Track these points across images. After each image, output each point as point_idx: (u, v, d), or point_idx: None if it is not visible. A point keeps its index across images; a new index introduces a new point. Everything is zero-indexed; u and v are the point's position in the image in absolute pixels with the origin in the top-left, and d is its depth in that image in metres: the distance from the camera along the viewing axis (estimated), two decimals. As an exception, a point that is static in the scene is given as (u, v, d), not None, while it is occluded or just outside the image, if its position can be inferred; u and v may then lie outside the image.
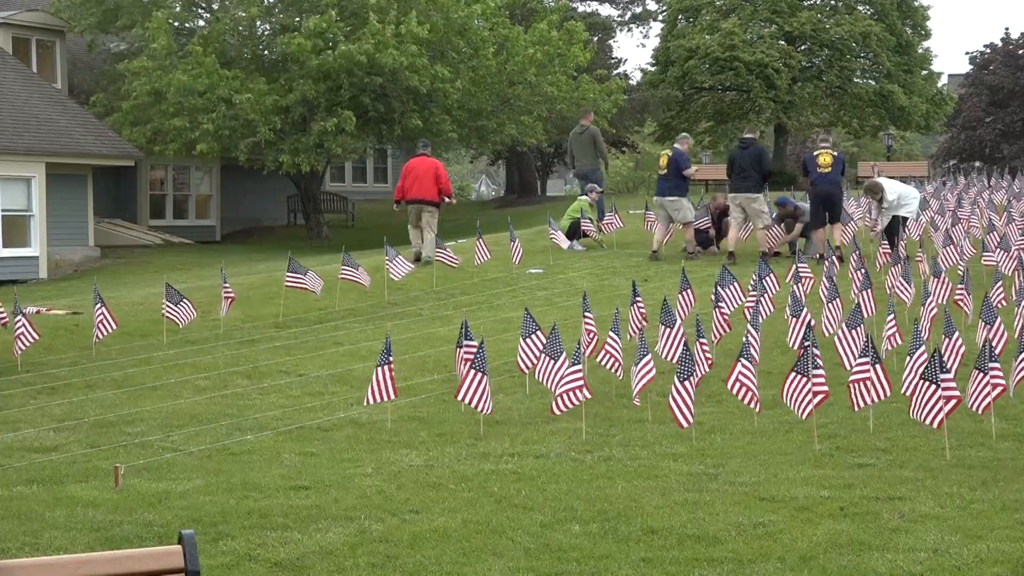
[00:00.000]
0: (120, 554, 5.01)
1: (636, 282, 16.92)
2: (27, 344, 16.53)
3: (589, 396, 12.07)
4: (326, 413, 13.35)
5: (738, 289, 16.75)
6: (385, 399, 12.28)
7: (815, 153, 24.27)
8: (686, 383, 11.40)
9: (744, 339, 12.60)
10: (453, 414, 13.16)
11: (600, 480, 10.17)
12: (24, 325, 16.45)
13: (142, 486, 10.17)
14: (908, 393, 12.07)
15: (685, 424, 11.44)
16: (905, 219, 23.60)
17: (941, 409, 10.76)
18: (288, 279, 19.71)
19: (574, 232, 26.24)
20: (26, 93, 37.18)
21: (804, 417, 11.39)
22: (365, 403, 12.50)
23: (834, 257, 21.01)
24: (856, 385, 11.64)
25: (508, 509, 9.28)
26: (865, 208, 26.16)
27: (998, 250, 20.82)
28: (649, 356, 12.48)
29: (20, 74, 38.29)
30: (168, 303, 17.81)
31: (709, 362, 13.30)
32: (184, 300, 17.95)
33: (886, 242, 22.32)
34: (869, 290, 16.40)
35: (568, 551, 8.22)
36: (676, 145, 25.93)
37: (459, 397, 12.26)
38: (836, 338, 13.87)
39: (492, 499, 9.59)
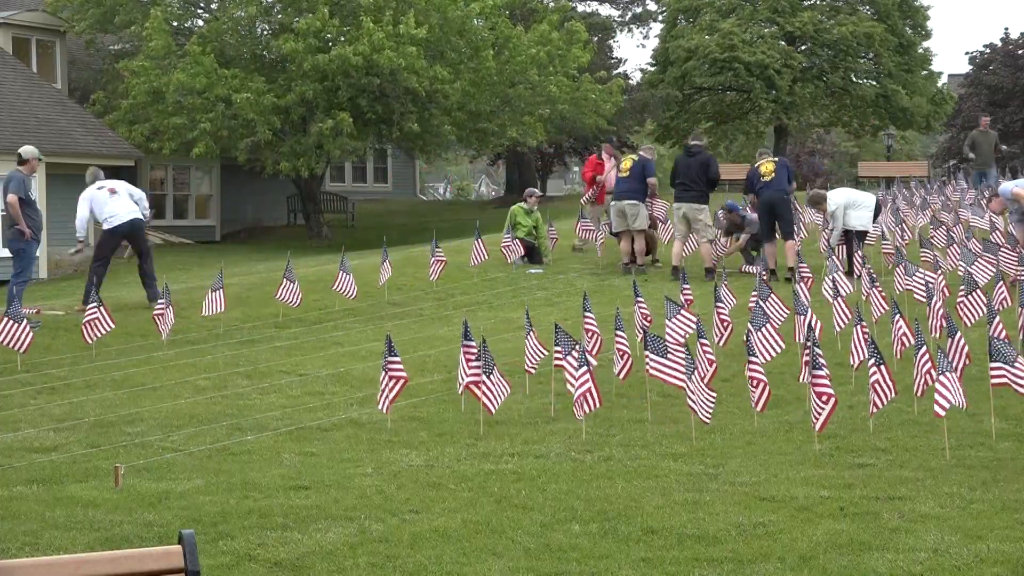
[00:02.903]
0: (120, 554, 5.01)
1: (637, 282, 16.94)
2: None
3: (598, 405, 12.00)
4: (326, 413, 13.35)
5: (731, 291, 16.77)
6: (388, 401, 12.31)
7: (756, 164, 22.82)
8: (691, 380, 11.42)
9: (745, 337, 12.58)
10: (453, 414, 13.16)
11: (600, 480, 10.17)
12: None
13: (142, 486, 10.17)
14: (919, 394, 12.13)
15: (707, 421, 11.49)
16: (861, 233, 22.26)
17: None
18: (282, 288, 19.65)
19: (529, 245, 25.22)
20: (26, 93, 37.18)
21: (819, 431, 11.27)
22: (384, 409, 12.46)
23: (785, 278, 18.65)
24: (875, 388, 11.59)
25: (508, 509, 9.28)
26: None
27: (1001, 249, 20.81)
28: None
29: (20, 74, 38.29)
30: (162, 305, 17.79)
31: (713, 365, 13.23)
32: (170, 306, 17.92)
33: (860, 252, 21.46)
34: (875, 289, 16.37)
35: (568, 551, 8.22)
36: (643, 153, 24.85)
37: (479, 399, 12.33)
38: (852, 337, 13.86)
39: (492, 499, 9.59)
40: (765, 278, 17.78)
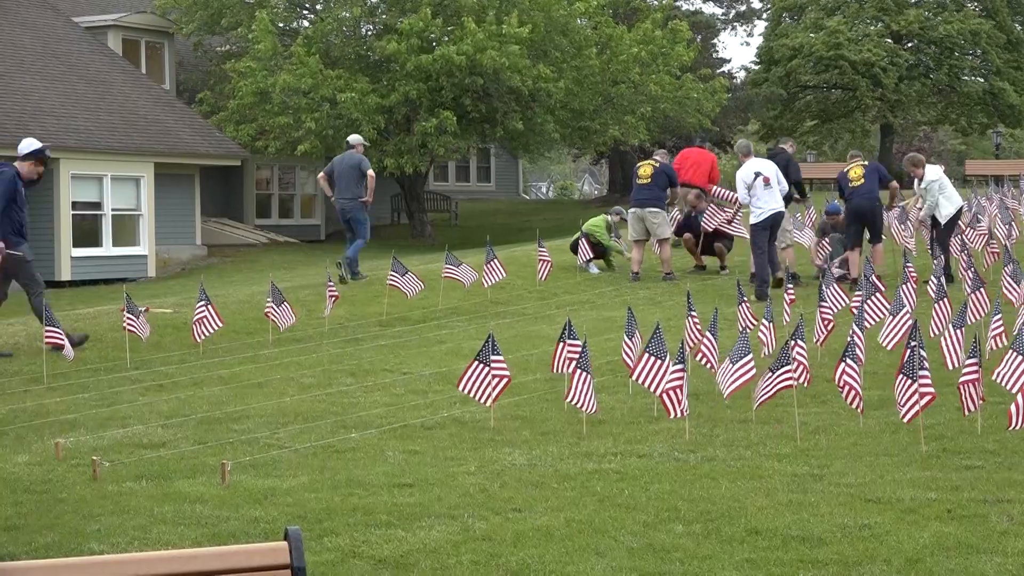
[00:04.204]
0: (227, 550, 5.06)
1: (740, 282, 16.85)
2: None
3: (686, 411, 11.94)
4: (430, 411, 13.40)
5: (838, 291, 16.63)
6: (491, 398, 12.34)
7: (846, 169, 21.91)
8: (779, 373, 11.37)
9: (849, 338, 12.48)
10: (556, 413, 13.16)
11: (703, 480, 10.13)
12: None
13: (248, 482, 10.28)
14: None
15: (758, 402, 11.42)
16: (944, 234, 21.53)
17: None
18: (390, 278, 19.96)
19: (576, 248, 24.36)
20: (135, 94, 37.72)
21: (907, 422, 11.24)
22: (489, 403, 12.50)
23: (876, 282, 17.20)
24: (966, 387, 11.47)
25: (611, 508, 9.27)
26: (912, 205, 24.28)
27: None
28: (750, 356, 12.38)
29: (130, 75, 38.85)
30: (271, 303, 18.03)
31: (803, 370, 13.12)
32: (286, 303, 18.14)
33: (942, 253, 20.83)
34: (981, 290, 16.17)
35: (671, 551, 8.19)
36: (658, 157, 24.02)
37: (568, 399, 12.30)
38: (942, 338, 13.70)
39: (595, 498, 9.59)
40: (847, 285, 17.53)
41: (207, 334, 17.35)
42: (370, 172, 23.09)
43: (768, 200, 20.90)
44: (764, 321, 14.55)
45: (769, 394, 11.86)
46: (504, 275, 21.35)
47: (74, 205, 32.94)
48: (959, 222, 22.59)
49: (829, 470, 10.44)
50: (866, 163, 21.65)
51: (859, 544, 8.26)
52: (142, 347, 17.13)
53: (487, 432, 12.36)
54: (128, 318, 16.83)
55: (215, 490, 10.03)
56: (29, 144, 17.07)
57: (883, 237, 22.12)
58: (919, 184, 21.95)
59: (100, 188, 33.66)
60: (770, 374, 11.84)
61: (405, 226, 45.99)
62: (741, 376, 12.31)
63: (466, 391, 12.39)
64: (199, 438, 12.24)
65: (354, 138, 24.16)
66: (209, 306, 17.36)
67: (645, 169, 23.36)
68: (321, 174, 24.60)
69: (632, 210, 23.34)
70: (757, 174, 20.90)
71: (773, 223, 21.05)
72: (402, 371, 15.94)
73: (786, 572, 7.78)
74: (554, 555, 8.16)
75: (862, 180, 21.30)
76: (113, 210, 33.84)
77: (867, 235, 21.91)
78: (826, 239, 23.18)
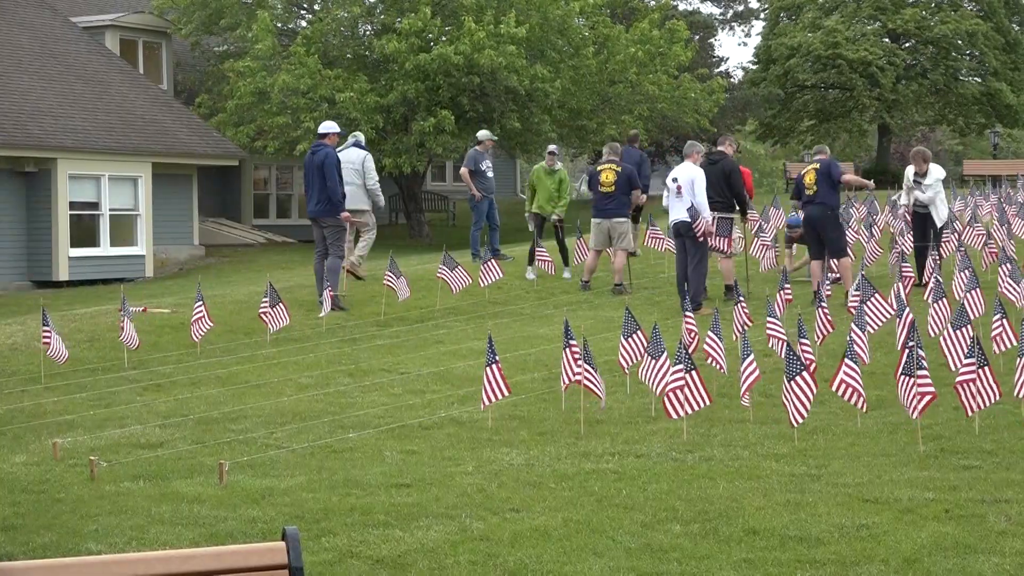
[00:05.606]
0: (224, 550, 5.07)
1: (737, 282, 16.86)
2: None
3: (707, 401, 11.94)
4: (427, 412, 13.40)
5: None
6: (500, 398, 12.35)
7: (802, 172, 20.33)
8: (793, 381, 11.33)
9: (848, 338, 12.48)
10: (554, 413, 13.16)
11: (701, 480, 10.13)
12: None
13: (246, 483, 10.28)
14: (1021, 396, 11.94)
15: (799, 420, 11.35)
16: (937, 235, 20.71)
17: None
18: (387, 277, 19.94)
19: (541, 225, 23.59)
20: (133, 94, 37.67)
21: (915, 418, 11.24)
22: (482, 407, 12.53)
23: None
24: (965, 387, 11.46)
25: (609, 508, 9.27)
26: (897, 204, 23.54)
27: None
28: (752, 356, 12.41)
29: (127, 75, 38.80)
30: (267, 303, 17.98)
31: (812, 364, 13.14)
32: (281, 303, 18.09)
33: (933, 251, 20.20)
34: (976, 290, 16.17)
35: (669, 551, 8.19)
36: (614, 157, 22.09)
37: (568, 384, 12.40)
38: (941, 339, 13.69)
39: (593, 498, 9.59)
40: (828, 292, 17.22)
41: (202, 334, 17.36)
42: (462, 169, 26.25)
43: (674, 209, 19.69)
44: (769, 319, 14.52)
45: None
46: (501, 275, 21.33)
47: (72, 205, 32.85)
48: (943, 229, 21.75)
49: (827, 470, 10.44)
50: (818, 165, 19.84)
51: (857, 544, 8.27)
52: (139, 347, 17.12)
53: (485, 432, 12.37)
54: (121, 324, 16.81)
55: (213, 490, 10.03)
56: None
57: (847, 251, 20.44)
58: (913, 176, 21.10)
59: (98, 188, 33.60)
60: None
61: (403, 226, 45.94)
62: (750, 376, 12.35)
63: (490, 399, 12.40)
64: (197, 438, 12.24)
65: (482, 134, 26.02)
66: (203, 306, 17.39)
67: (607, 175, 21.72)
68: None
69: (596, 220, 21.83)
70: (674, 180, 19.70)
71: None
72: (400, 371, 15.93)
73: (784, 572, 7.78)
74: (552, 555, 8.16)
75: (815, 188, 19.68)
76: (111, 210, 33.79)
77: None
78: (793, 247, 22.69)
